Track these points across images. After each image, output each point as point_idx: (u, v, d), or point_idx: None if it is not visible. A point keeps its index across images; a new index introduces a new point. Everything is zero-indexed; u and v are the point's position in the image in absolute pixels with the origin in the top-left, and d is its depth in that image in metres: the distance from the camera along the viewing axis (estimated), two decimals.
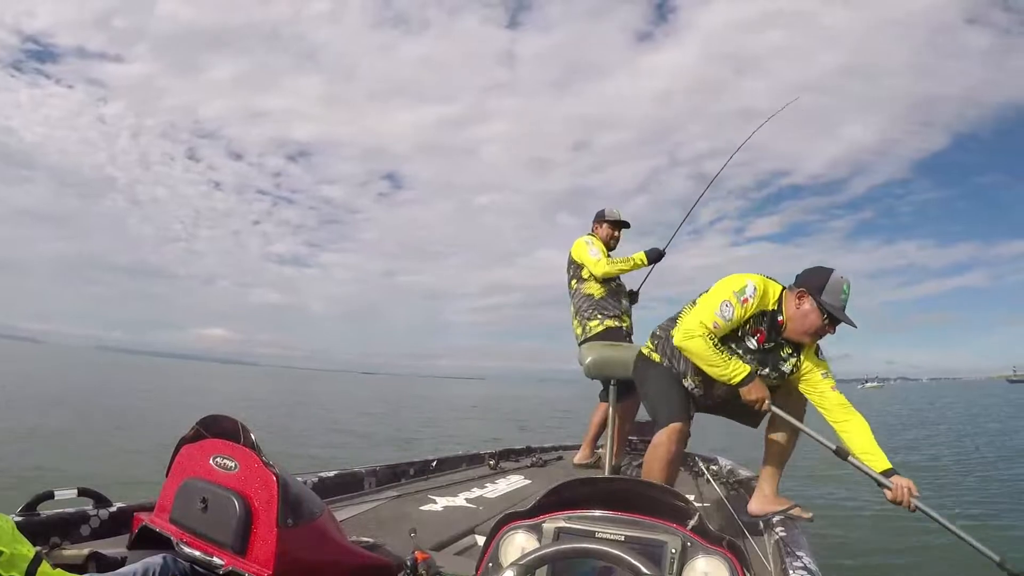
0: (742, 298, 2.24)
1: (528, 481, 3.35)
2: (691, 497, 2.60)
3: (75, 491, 1.78)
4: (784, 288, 2.35)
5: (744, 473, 3.34)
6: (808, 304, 2.24)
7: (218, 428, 1.50)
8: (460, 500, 2.80)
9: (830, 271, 2.27)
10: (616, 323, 3.70)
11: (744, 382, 2.23)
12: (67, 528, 1.69)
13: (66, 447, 7.71)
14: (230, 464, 1.39)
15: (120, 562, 1.44)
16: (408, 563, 1.58)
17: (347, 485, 2.73)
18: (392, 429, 14.85)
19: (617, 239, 3.95)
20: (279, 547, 1.27)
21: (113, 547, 1.58)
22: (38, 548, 1.12)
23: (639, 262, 3.77)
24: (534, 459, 3.86)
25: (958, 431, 15.40)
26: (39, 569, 1.07)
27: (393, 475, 3.04)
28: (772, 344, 2.34)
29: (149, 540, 1.44)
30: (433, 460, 3.39)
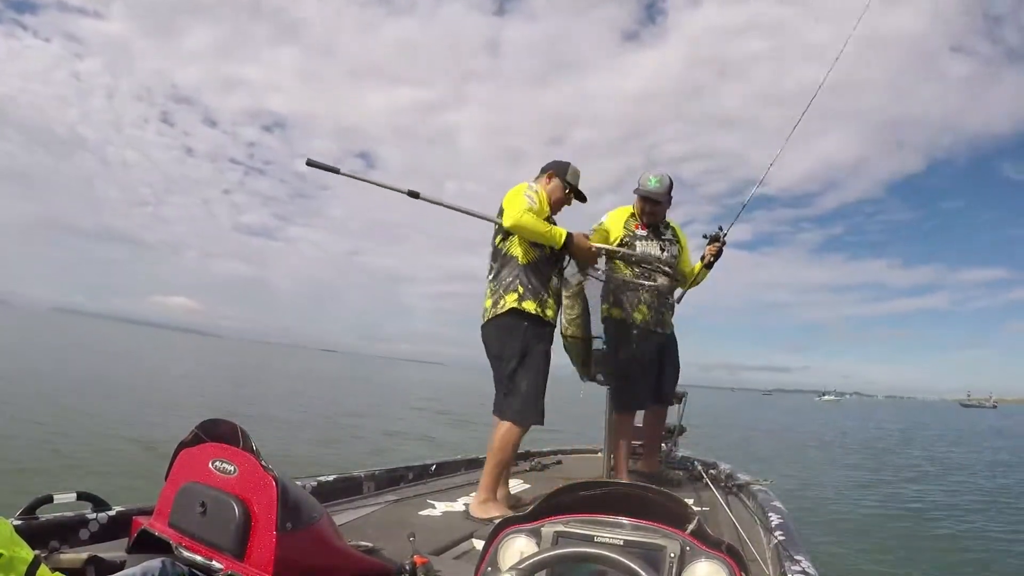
0: (534, 190, 2.81)
1: (527, 485, 3.35)
2: (690, 501, 2.60)
3: (74, 495, 1.78)
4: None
5: (743, 477, 3.34)
6: (554, 180, 2.94)
7: (217, 432, 1.50)
8: (459, 505, 2.80)
9: (568, 163, 2.98)
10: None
11: (568, 239, 2.78)
12: (66, 532, 1.69)
13: (45, 433, 7.70)
14: (229, 468, 1.39)
15: (119, 566, 1.44)
16: (407, 567, 1.58)
17: (346, 489, 2.72)
18: (332, 414, 14.47)
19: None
20: (278, 551, 1.27)
21: (112, 551, 1.57)
22: (37, 552, 1.12)
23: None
24: (533, 463, 3.85)
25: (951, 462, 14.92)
26: (38, 572, 1.07)
27: (392, 480, 3.04)
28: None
29: (148, 544, 1.45)
30: (432, 464, 3.39)
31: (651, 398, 3.45)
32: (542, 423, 2.75)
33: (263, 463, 1.35)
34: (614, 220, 3.39)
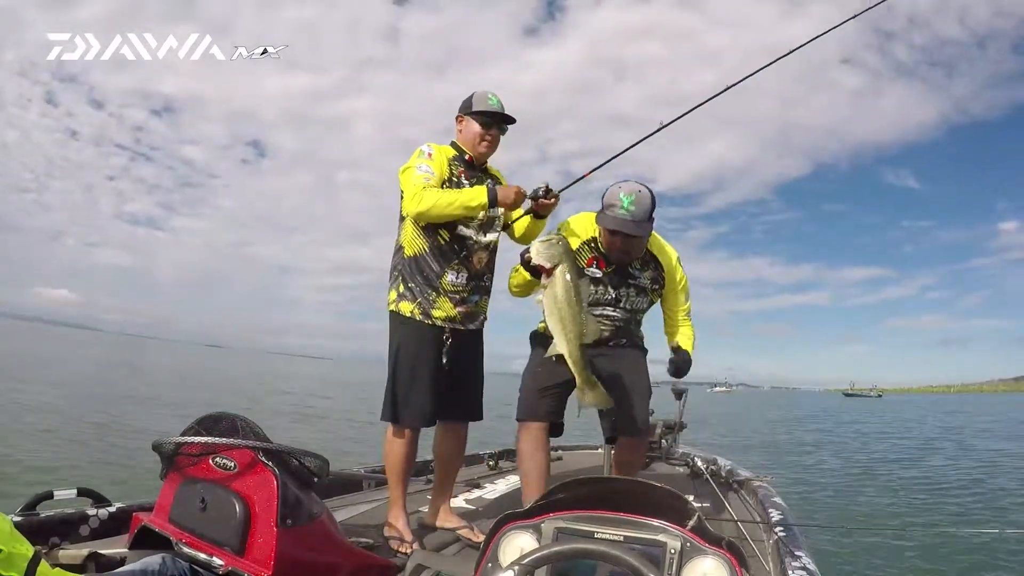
0: (426, 154, 2.32)
1: None
2: (690, 497, 2.60)
3: (74, 491, 1.78)
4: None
5: (744, 473, 3.33)
6: (465, 121, 2.39)
7: (217, 429, 1.50)
8: (459, 501, 2.80)
9: (472, 94, 2.43)
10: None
11: (490, 193, 2.23)
12: (66, 528, 1.69)
13: None
14: (229, 464, 1.39)
15: (119, 562, 1.44)
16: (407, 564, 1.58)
17: (346, 486, 2.73)
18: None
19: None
20: (278, 547, 1.27)
21: (112, 547, 1.58)
22: (37, 548, 1.12)
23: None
24: None
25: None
26: (38, 568, 1.07)
27: None
28: (476, 175, 2.41)
29: (148, 540, 1.45)
30: (432, 461, 3.39)
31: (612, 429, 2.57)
32: (398, 421, 2.27)
33: (263, 459, 1.36)
34: (579, 226, 2.47)
